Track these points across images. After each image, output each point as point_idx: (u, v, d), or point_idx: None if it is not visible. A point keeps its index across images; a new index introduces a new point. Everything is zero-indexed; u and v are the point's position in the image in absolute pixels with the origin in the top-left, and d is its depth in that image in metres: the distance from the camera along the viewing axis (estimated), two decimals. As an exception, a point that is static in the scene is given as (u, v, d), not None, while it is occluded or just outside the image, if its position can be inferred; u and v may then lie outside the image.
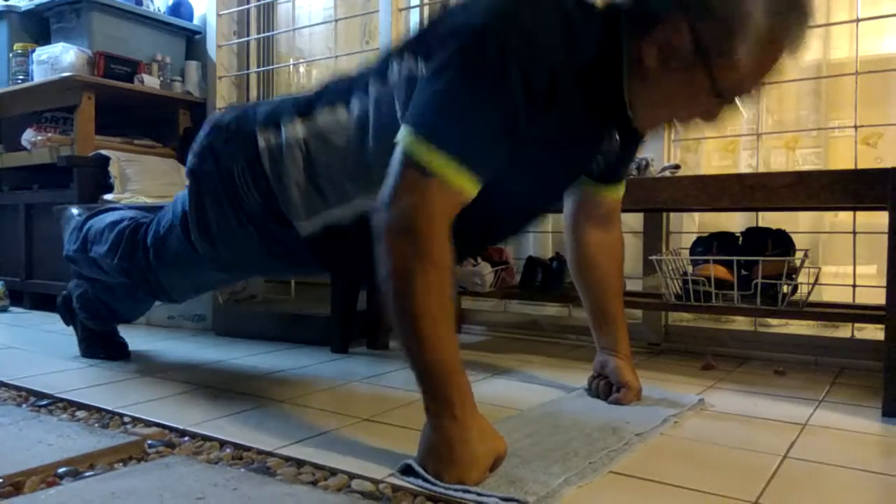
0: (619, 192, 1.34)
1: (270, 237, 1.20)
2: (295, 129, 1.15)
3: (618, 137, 1.13)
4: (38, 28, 2.92)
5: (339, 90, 1.16)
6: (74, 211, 1.82)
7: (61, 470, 0.92)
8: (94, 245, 1.52)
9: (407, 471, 0.89)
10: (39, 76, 2.70)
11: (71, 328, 1.77)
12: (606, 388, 1.31)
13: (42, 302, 2.76)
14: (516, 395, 1.37)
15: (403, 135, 0.92)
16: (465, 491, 0.83)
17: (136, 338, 1.86)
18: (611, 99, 1.05)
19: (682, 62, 0.97)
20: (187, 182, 1.29)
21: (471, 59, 0.92)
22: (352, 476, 0.91)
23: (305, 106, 1.17)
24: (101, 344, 1.72)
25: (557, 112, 0.98)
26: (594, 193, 1.31)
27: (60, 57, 2.64)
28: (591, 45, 1.01)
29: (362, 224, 1.01)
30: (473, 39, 0.93)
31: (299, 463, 0.96)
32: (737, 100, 1.01)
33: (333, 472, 0.93)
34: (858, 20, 1.79)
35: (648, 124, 1.12)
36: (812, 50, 2.00)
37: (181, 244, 1.32)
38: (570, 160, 1.17)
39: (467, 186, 0.90)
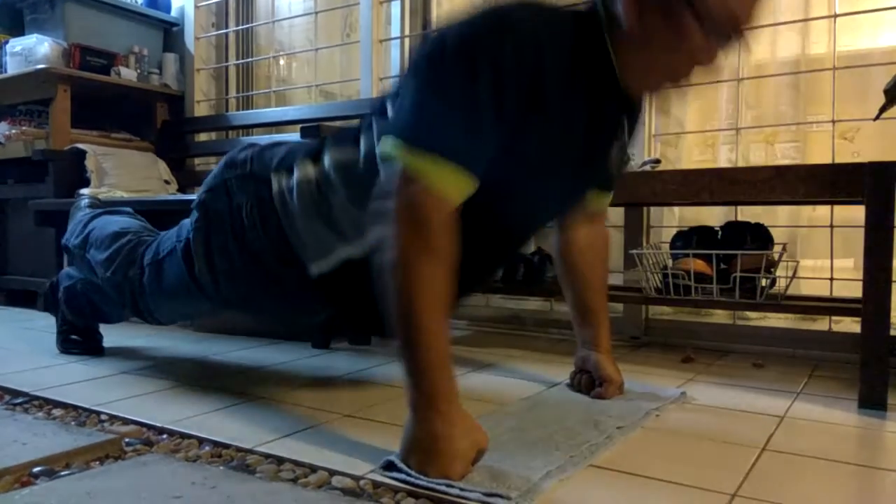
0: (606, 200, 1.35)
1: (275, 278, 1.19)
2: (307, 170, 1.14)
3: (626, 123, 1.12)
4: (11, 19, 2.87)
5: (346, 135, 1.17)
6: (85, 201, 1.81)
7: (36, 469, 0.91)
8: (92, 249, 1.50)
9: (389, 467, 0.89)
10: (13, 68, 2.66)
11: (50, 317, 1.75)
12: (588, 382, 1.32)
13: (17, 298, 2.71)
14: (498, 389, 1.37)
15: (386, 144, 0.92)
16: (448, 485, 0.83)
17: (115, 334, 1.84)
18: (604, 75, 1.02)
19: (659, 4, 0.95)
20: (195, 214, 1.27)
21: (434, 61, 0.93)
22: (332, 473, 0.90)
23: (316, 150, 1.18)
24: (78, 338, 1.70)
25: (556, 108, 0.97)
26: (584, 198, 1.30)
27: (35, 49, 2.60)
28: (568, 27, 1.00)
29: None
30: (435, 44, 0.94)
31: (279, 460, 0.96)
32: (733, 36, 0.98)
33: (314, 468, 0.92)
34: (836, 16, 1.81)
35: (646, 88, 1.08)
36: (790, 45, 2.02)
37: (179, 273, 1.30)
38: (587, 158, 1.13)
39: (455, 184, 0.90)
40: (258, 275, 1.20)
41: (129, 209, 1.68)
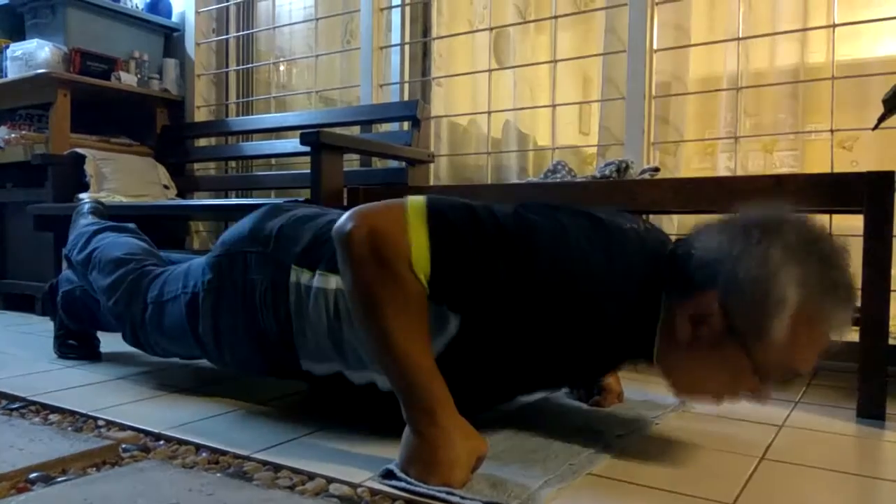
0: None
1: (276, 357, 1.18)
2: (328, 282, 1.09)
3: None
4: (12, 23, 2.87)
5: None
6: (87, 206, 1.79)
7: (33, 475, 0.90)
8: (95, 271, 1.48)
9: (388, 475, 0.88)
10: (13, 73, 2.66)
11: (48, 321, 1.74)
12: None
13: (16, 302, 2.71)
14: (496, 397, 1.37)
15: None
16: (449, 493, 0.83)
17: (112, 339, 1.83)
18: (642, 352, 1.00)
19: (713, 339, 0.91)
20: (208, 273, 1.23)
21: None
22: (330, 480, 0.90)
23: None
24: (75, 343, 1.70)
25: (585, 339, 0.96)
26: None
27: (35, 53, 2.60)
28: (632, 290, 0.96)
29: (370, 389, 1.06)
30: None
31: (276, 467, 0.95)
32: (787, 380, 0.95)
33: (311, 476, 0.92)
34: (835, 25, 1.82)
35: (686, 393, 1.04)
36: (789, 54, 2.03)
37: (181, 321, 1.28)
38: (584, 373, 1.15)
39: (421, 250, 0.88)
40: (260, 349, 1.19)
41: (132, 225, 1.65)
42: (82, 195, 2.45)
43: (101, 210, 1.82)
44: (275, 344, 1.15)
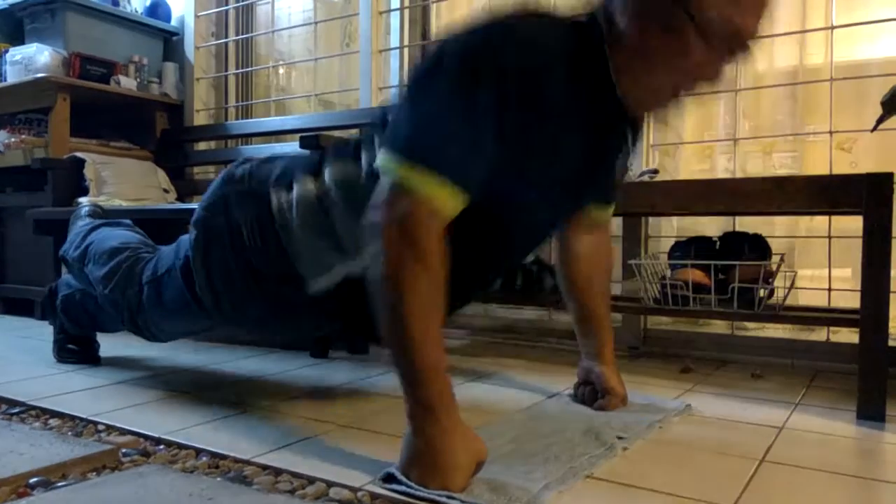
0: (609, 212, 1.34)
1: (276, 294, 1.18)
2: (307, 186, 1.12)
3: (629, 135, 1.10)
4: (11, 28, 2.87)
5: (346, 148, 1.15)
6: (85, 210, 1.80)
7: (33, 480, 0.91)
8: (91, 264, 1.49)
9: (389, 479, 0.88)
10: (13, 77, 2.66)
11: (47, 325, 1.74)
12: (592, 394, 1.31)
13: (15, 306, 2.71)
14: (497, 400, 1.37)
15: (381, 157, 0.92)
16: (449, 497, 0.83)
17: (112, 343, 1.83)
18: (603, 88, 1.00)
19: (656, 12, 0.93)
20: (194, 232, 1.24)
21: (432, 73, 0.93)
22: (330, 484, 0.90)
23: (317, 164, 1.16)
24: (75, 347, 1.70)
25: (556, 120, 0.97)
26: (585, 210, 1.29)
27: (35, 57, 2.60)
28: (568, 39, 0.98)
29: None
30: (434, 56, 0.94)
31: (277, 471, 0.95)
32: (738, 50, 0.95)
33: (311, 480, 0.92)
34: (833, 27, 1.82)
35: (646, 103, 1.05)
36: (788, 56, 2.03)
37: (179, 290, 1.28)
38: (587, 170, 1.12)
39: (447, 199, 0.89)
40: (259, 291, 1.19)
41: (128, 221, 1.66)
42: (82, 199, 2.45)
43: (98, 213, 1.83)
44: (273, 281, 1.15)
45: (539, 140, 0.98)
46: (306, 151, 1.85)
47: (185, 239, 1.31)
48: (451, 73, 0.92)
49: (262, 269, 1.16)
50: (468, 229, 0.94)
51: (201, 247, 1.23)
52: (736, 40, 0.94)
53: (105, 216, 1.84)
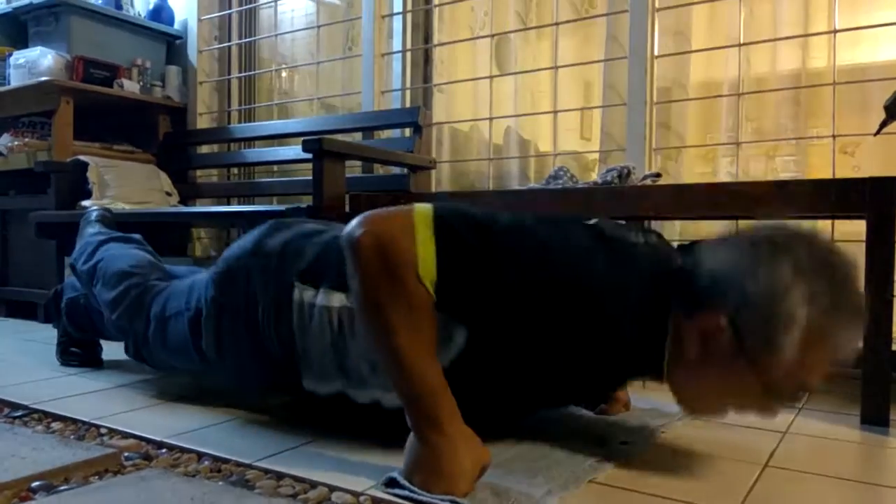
0: None
1: (278, 374, 1.17)
2: (331, 299, 1.08)
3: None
4: (15, 31, 2.88)
5: None
6: (95, 214, 1.79)
7: (35, 484, 0.90)
8: (99, 284, 1.48)
9: (392, 484, 0.88)
10: (16, 80, 2.67)
11: (50, 328, 1.74)
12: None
13: (18, 309, 2.71)
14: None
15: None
16: (453, 502, 0.83)
17: (115, 346, 1.83)
18: (651, 367, 0.99)
19: (721, 356, 0.90)
20: (211, 288, 1.22)
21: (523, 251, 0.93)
22: (332, 489, 0.90)
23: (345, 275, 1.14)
24: (78, 350, 1.70)
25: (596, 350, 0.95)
26: None
27: (38, 61, 2.61)
28: (640, 304, 0.95)
29: (374, 408, 1.05)
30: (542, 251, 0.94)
31: (279, 475, 0.95)
32: (795, 399, 0.95)
33: (314, 484, 0.92)
34: (836, 31, 1.82)
35: (695, 409, 1.04)
36: (791, 59, 2.03)
37: (183, 338, 1.27)
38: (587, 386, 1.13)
39: (430, 256, 0.88)
40: (262, 364, 1.18)
41: (138, 236, 1.64)
42: (85, 202, 2.46)
43: (108, 218, 1.82)
44: (278, 361, 1.14)
45: (557, 362, 0.97)
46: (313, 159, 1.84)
47: (199, 283, 1.28)
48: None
49: (268, 347, 1.14)
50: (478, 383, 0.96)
51: (216, 309, 1.21)
52: (797, 394, 0.94)
53: (114, 220, 1.83)
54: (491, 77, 2.36)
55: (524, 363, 0.97)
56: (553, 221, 0.99)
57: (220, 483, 0.93)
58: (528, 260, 0.92)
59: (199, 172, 3.07)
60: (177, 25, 3.07)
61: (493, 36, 2.42)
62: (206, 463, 1.01)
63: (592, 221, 1.02)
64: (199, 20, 3.00)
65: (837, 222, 1.78)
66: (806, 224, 0.94)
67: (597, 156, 2.28)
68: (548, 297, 0.91)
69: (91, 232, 1.69)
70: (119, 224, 1.82)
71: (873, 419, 1.26)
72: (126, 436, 1.13)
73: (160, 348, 1.34)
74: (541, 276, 0.91)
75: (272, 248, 1.18)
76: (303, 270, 1.13)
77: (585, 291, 0.92)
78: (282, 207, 2.02)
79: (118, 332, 1.45)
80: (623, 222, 1.08)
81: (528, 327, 0.93)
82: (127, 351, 1.44)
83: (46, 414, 1.26)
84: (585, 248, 0.95)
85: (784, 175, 2.05)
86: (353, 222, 0.90)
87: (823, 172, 1.88)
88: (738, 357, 0.89)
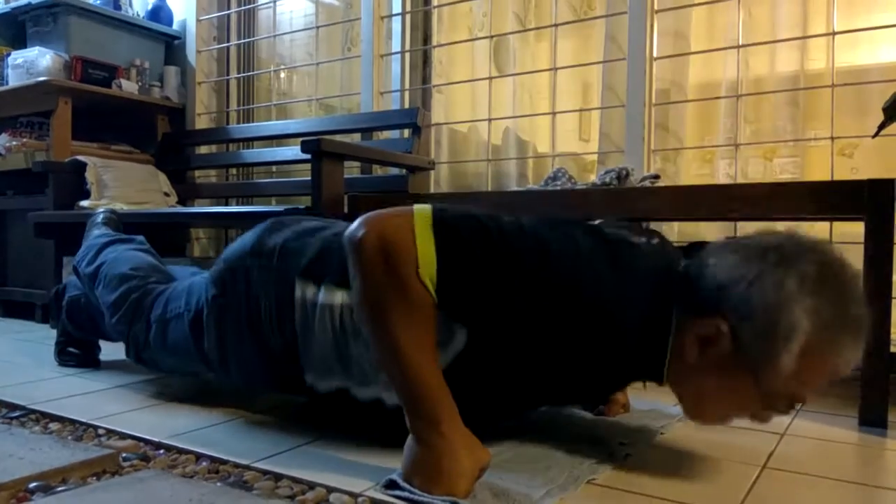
0: None
1: (281, 371, 1.17)
2: (333, 296, 1.07)
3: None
4: (13, 31, 2.88)
5: None
6: (101, 217, 1.79)
7: (33, 485, 0.90)
8: (101, 286, 1.48)
9: (391, 485, 0.88)
10: (15, 80, 2.66)
11: (48, 328, 1.74)
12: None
13: (15, 309, 2.71)
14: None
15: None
16: (453, 503, 0.82)
17: (113, 347, 1.83)
18: (651, 370, 0.99)
19: (721, 361, 0.90)
20: (212, 288, 1.22)
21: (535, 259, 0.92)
22: (330, 490, 0.90)
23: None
24: (76, 350, 1.70)
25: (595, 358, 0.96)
26: None
27: (36, 61, 2.61)
28: (643, 306, 0.94)
29: (376, 406, 1.05)
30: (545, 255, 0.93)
31: (277, 476, 0.95)
32: (791, 407, 0.94)
33: (311, 485, 0.92)
34: (835, 33, 1.82)
35: (697, 416, 1.01)
36: (789, 61, 2.03)
37: (184, 339, 1.27)
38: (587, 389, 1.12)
39: (430, 260, 0.87)
40: (265, 362, 1.18)
41: (141, 238, 1.64)
42: (83, 202, 2.45)
43: (114, 220, 1.82)
44: (280, 359, 1.14)
45: (559, 363, 0.97)
46: (310, 153, 1.85)
47: (199, 284, 1.28)
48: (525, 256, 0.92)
49: (271, 345, 1.14)
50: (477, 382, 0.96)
51: (217, 309, 1.21)
52: (791, 404, 0.93)
53: (120, 222, 1.83)
54: (490, 78, 2.36)
55: (524, 364, 0.97)
56: (554, 222, 0.99)
57: (218, 484, 0.93)
58: (529, 261, 0.91)
59: (197, 173, 3.06)
60: (175, 26, 3.07)
61: (491, 37, 2.42)
62: (204, 464, 1.01)
63: (596, 223, 1.02)
64: (198, 20, 3.00)
65: (835, 224, 1.78)
66: (816, 235, 0.93)
67: (595, 157, 2.28)
68: (548, 299, 0.91)
69: (96, 234, 1.69)
70: (118, 224, 1.82)
71: (872, 421, 1.26)
72: (124, 436, 1.13)
73: (161, 350, 1.33)
74: (541, 276, 0.91)
75: (272, 246, 1.18)
76: (304, 268, 1.12)
77: (586, 293, 0.92)
78: (280, 208, 2.02)
79: (118, 336, 1.45)
80: (626, 222, 1.08)
81: (528, 328, 0.93)
82: (127, 354, 1.43)
83: (44, 414, 1.26)
84: (586, 250, 0.95)
85: (782, 177, 2.05)
86: (355, 223, 0.91)
87: (822, 174, 1.88)
88: (736, 364, 0.89)
